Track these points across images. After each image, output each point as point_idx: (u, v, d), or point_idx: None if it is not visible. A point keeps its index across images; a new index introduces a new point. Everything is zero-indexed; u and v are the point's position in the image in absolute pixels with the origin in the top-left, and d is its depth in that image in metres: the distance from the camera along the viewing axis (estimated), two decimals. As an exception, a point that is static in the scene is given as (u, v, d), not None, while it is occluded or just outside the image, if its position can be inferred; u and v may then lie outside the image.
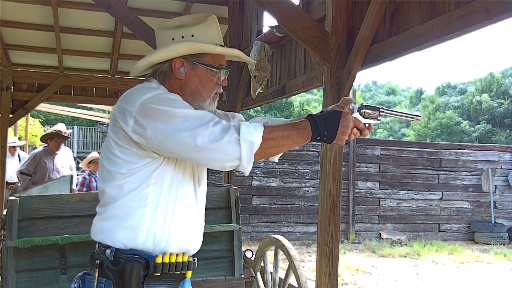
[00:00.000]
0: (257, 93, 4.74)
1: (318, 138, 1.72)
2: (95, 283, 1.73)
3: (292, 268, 3.04)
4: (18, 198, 2.83)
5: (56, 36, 6.41)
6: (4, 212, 6.89)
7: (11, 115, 7.00)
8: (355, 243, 10.86)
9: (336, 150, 3.25)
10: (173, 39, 1.83)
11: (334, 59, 3.32)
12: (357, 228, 11.14)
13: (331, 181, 3.18)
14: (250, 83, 4.95)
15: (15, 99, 7.05)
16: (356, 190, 11.12)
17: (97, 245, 1.79)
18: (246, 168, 1.64)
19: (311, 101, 32.50)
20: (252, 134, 1.61)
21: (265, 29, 4.98)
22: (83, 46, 6.92)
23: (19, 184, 6.95)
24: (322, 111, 1.82)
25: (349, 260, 8.68)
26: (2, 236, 3.25)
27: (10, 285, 2.74)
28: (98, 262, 1.74)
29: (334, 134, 1.72)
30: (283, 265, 3.39)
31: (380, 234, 11.29)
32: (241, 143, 1.59)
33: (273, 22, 4.45)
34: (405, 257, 9.54)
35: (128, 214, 1.72)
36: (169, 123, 1.60)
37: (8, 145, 7.37)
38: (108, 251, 1.73)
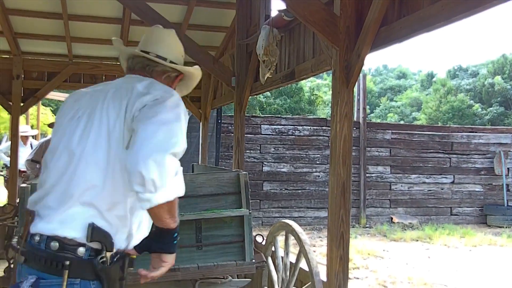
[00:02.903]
0: (266, 78, 4.71)
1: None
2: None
3: (302, 252, 3.05)
4: (29, 186, 2.85)
5: (65, 24, 6.41)
6: (18, 200, 6.99)
7: (22, 104, 7.04)
8: (366, 227, 10.87)
9: (346, 134, 3.23)
10: (182, 56, 2.19)
11: (343, 42, 3.28)
12: (368, 213, 11.13)
13: (341, 165, 3.16)
14: (259, 68, 4.92)
15: (25, 88, 7.09)
16: (367, 175, 11.09)
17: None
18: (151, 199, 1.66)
19: (321, 86, 32.37)
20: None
21: (273, 13, 4.93)
22: (92, 34, 6.92)
23: (29, 172, 7.02)
24: None
25: (361, 245, 8.69)
26: (16, 223, 3.28)
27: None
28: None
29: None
30: (294, 250, 3.39)
31: (392, 218, 11.28)
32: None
33: (281, 6, 4.41)
34: (417, 241, 9.53)
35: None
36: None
37: (20, 134, 7.43)
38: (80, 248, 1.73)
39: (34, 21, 6.54)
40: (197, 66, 2.26)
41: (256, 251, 3.28)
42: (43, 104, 17.58)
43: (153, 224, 1.83)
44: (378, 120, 32.57)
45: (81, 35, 6.85)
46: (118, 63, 7.12)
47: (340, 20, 3.30)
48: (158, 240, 1.82)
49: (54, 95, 13.64)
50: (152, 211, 1.70)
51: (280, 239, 3.54)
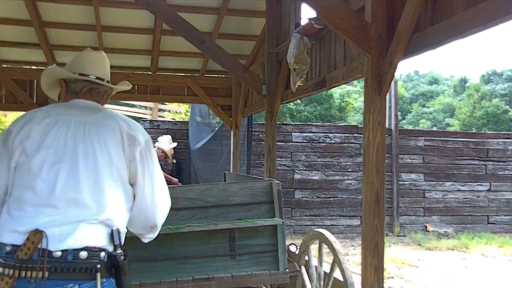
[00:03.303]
0: (297, 86, 4.71)
1: None
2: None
3: (337, 262, 3.02)
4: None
5: (98, 35, 6.55)
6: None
7: (57, 114, 7.19)
8: (400, 236, 10.69)
9: (379, 142, 3.20)
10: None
11: (374, 49, 3.26)
12: (402, 221, 10.96)
13: (374, 174, 3.13)
14: (289, 76, 4.92)
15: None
16: (400, 182, 10.93)
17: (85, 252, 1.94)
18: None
19: (351, 92, 32.13)
20: None
21: (304, 21, 4.93)
22: (124, 44, 7.05)
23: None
24: None
25: (395, 253, 8.56)
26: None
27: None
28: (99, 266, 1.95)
29: None
30: (327, 259, 3.36)
31: (426, 227, 11.07)
32: None
33: (312, 14, 4.41)
34: (453, 250, 9.33)
35: None
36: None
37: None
38: (103, 253, 1.98)
39: (69, 33, 6.70)
40: (127, 82, 2.49)
41: (290, 261, 3.27)
42: (77, 114, 17.87)
43: None
44: (410, 127, 32.12)
45: (114, 46, 6.99)
46: (150, 73, 7.27)
47: (372, 27, 3.27)
48: None
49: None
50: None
51: (313, 248, 3.51)
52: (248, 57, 7.28)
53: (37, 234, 1.87)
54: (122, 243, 2.06)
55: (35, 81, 7.18)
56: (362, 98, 3.39)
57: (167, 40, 6.87)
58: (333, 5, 3.31)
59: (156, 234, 2.29)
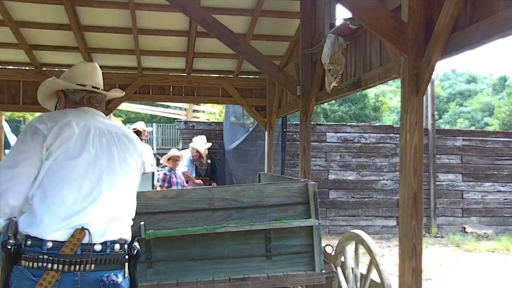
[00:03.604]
0: (332, 86, 4.69)
1: None
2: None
3: (373, 263, 3.00)
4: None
5: (135, 38, 6.65)
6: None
7: (96, 116, 7.34)
8: (437, 237, 10.51)
9: (416, 143, 3.16)
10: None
11: (411, 49, 3.22)
12: (439, 222, 10.77)
13: (411, 175, 3.09)
14: (324, 77, 4.90)
15: (99, 100, 7.38)
16: (437, 183, 10.75)
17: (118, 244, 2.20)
18: None
19: (386, 92, 31.73)
20: None
21: (338, 22, 4.91)
22: (160, 46, 7.14)
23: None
24: None
25: (432, 255, 8.42)
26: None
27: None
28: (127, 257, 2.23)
29: None
30: (363, 260, 3.34)
31: (464, 228, 10.86)
32: None
33: (346, 14, 4.38)
34: (493, 252, 9.11)
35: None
36: None
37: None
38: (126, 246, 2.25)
39: (106, 36, 6.83)
40: (119, 89, 2.79)
41: (326, 261, 3.26)
42: (114, 115, 18.30)
43: None
44: (447, 126, 31.50)
45: (150, 48, 7.09)
46: (185, 74, 7.33)
47: (409, 27, 3.24)
48: None
49: (124, 106, 14.18)
50: None
51: (349, 248, 3.50)
52: (282, 58, 7.28)
53: (82, 232, 2.05)
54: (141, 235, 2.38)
55: (74, 84, 7.33)
56: (397, 98, 3.37)
57: (201, 42, 6.93)
58: (368, 5, 3.29)
59: None
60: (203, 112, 18.52)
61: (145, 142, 7.94)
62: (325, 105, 22.82)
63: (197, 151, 8.81)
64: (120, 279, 2.14)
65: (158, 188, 7.30)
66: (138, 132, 7.35)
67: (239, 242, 3.07)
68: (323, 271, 3.13)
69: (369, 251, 3.06)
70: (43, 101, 2.62)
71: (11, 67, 7.34)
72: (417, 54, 3.19)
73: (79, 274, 2.04)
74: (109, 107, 7.41)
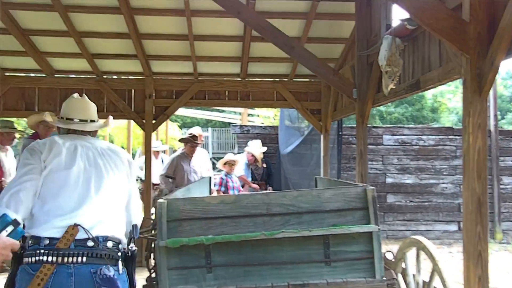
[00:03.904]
0: (389, 89, 4.60)
1: None
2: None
3: (436, 271, 2.91)
4: (166, 201, 3.03)
5: (191, 44, 6.77)
6: (152, 210, 7.46)
7: (154, 121, 7.53)
8: (503, 243, 10.09)
9: (480, 146, 3.05)
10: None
11: (473, 49, 3.11)
12: (505, 227, 10.33)
13: (475, 180, 2.98)
14: (381, 79, 4.82)
15: (156, 106, 7.57)
16: (501, 186, 10.31)
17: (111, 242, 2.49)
18: None
19: (444, 92, 30.77)
20: None
21: (395, 22, 4.81)
22: (215, 52, 7.23)
23: (162, 186, 7.47)
24: None
25: (498, 262, 8.08)
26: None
27: (163, 281, 2.95)
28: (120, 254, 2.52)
29: None
30: (425, 266, 3.25)
31: (532, 234, 10.37)
32: None
33: (404, 15, 4.29)
34: None
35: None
36: None
37: (152, 149, 7.94)
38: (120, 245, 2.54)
39: (163, 44, 6.99)
40: (109, 119, 3.16)
41: (386, 268, 3.19)
42: (170, 120, 18.68)
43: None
44: (511, 127, 30.24)
45: (205, 54, 7.20)
46: (240, 79, 7.43)
47: (470, 26, 3.14)
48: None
49: (180, 111, 14.43)
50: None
51: (410, 254, 3.41)
52: (337, 60, 7.21)
53: (75, 228, 2.38)
54: (136, 236, 2.66)
55: (133, 91, 7.54)
56: (457, 98, 3.28)
57: (256, 46, 6.97)
58: (427, 5, 3.21)
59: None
60: (258, 116, 18.60)
61: (201, 147, 8.05)
62: (381, 107, 22.39)
63: (253, 155, 8.86)
64: (111, 272, 2.40)
65: (215, 192, 7.39)
66: (194, 137, 7.47)
67: (298, 247, 3.04)
68: (384, 277, 3.06)
69: (432, 257, 2.97)
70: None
71: (73, 76, 7.64)
72: (479, 54, 3.09)
73: (72, 267, 2.33)
74: (166, 113, 7.58)
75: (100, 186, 2.58)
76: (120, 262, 2.49)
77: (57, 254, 2.31)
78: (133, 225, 2.68)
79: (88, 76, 7.53)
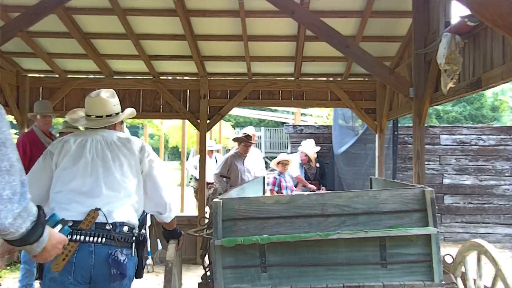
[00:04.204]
0: (448, 87, 4.47)
1: None
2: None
3: (500, 276, 2.80)
4: (221, 201, 3.06)
5: (245, 44, 6.82)
6: (206, 209, 7.57)
7: (208, 121, 7.64)
8: None
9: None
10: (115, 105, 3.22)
11: (540, 45, 2.98)
12: None
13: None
14: (439, 77, 4.69)
15: (211, 106, 7.68)
16: None
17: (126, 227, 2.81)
18: None
19: (506, 90, 29.63)
20: None
21: (455, 19, 4.67)
22: (269, 52, 7.26)
23: (217, 185, 7.56)
24: None
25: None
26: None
27: (219, 280, 2.98)
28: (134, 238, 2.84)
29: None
30: (486, 271, 3.14)
31: None
32: None
33: (464, 11, 4.16)
34: None
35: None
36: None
37: (206, 149, 8.05)
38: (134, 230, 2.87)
39: (218, 44, 7.08)
40: (128, 109, 3.35)
41: (445, 272, 3.11)
42: (224, 120, 18.89)
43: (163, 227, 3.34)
44: None
45: (259, 54, 7.23)
46: (293, 79, 7.43)
47: (536, 21, 3.00)
48: (172, 236, 3.39)
49: (233, 111, 14.54)
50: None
51: (470, 258, 3.31)
52: (393, 59, 7.08)
53: (96, 212, 2.72)
54: (146, 224, 2.98)
55: (188, 91, 7.68)
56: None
57: (310, 46, 6.94)
58: (490, 0, 3.10)
59: (171, 213, 3.15)
60: (311, 115, 18.52)
61: (254, 146, 8.10)
62: (438, 106, 21.81)
63: (306, 155, 8.83)
64: (123, 257, 2.71)
65: (268, 192, 7.41)
66: (248, 137, 7.52)
67: (353, 249, 3.00)
68: (443, 281, 2.98)
69: (494, 262, 2.87)
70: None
71: (130, 77, 7.85)
72: (546, 51, 2.95)
73: (93, 246, 2.66)
74: (220, 113, 7.68)
75: (108, 175, 2.87)
76: (133, 246, 2.81)
77: (80, 233, 2.64)
78: (146, 213, 3.01)
79: (145, 77, 7.73)
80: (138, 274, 2.95)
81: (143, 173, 3.02)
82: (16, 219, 1.61)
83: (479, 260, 3.12)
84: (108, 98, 3.14)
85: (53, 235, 1.88)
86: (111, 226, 2.71)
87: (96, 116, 3.10)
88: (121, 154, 2.96)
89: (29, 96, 7.57)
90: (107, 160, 2.91)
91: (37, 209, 1.73)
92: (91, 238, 2.67)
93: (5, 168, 1.58)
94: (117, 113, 3.17)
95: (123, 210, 2.81)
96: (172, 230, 3.35)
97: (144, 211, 3.08)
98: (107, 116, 3.11)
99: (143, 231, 2.93)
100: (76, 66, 7.69)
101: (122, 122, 3.41)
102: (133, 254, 2.81)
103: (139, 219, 2.97)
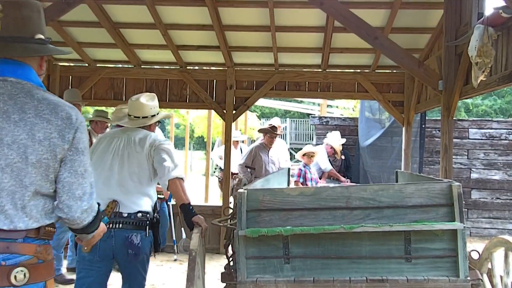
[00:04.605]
0: (479, 81, 4.39)
1: None
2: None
3: (527, 274, 2.76)
4: (245, 191, 3.08)
5: (272, 35, 6.80)
6: (230, 199, 7.60)
7: (234, 111, 7.66)
8: None
9: None
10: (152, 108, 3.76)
11: None
12: None
13: None
14: (470, 70, 4.60)
15: (237, 97, 7.69)
16: None
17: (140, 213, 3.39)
18: None
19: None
20: None
21: (488, 11, 4.57)
22: (296, 43, 7.22)
23: (241, 176, 7.58)
24: None
25: None
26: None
27: (242, 270, 3.01)
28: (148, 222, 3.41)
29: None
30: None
31: None
32: None
33: (498, 2, 4.07)
34: None
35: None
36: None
37: (232, 139, 8.08)
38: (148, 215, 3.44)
39: (245, 35, 7.07)
40: (169, 114, 4.36)
41: (471, 268, 3.06)
42: (249, 110, 18.90)
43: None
44: None
45: (286, 45, 7.20)
46: (320, 70, 7.36)
47: None
48: (186, 216, 3.38)
49: (259, 101, 14.52)
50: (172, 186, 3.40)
51: (497, 254, 3.26)
52: (423, 51, 6.97)
53: (114, 203, 3.32)
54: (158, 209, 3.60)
55: (215, 81, 7.70)
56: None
57: (338, 37, 6.88)
58: (525, -8, 3.02)
59: (171, 173, 3.37)
60: (337, 107, 18.39)
61: (280, 138, 8.09)
62: (467, 99, 21.43)
63: (332, 147, 8.78)
64: (138, 240, 3.29)
65: (293, 183, 7.41)
66: (274, 128, 7.52)
67: (377, 242, 2.99)
68: (468, 278, 2.95)
69: (522, 260, 2.82)
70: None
71: (158, 67, 7.91)
72: None
73: (113, 231, 3.25)
74: (246, 104, 7.69)
75: (123, 170, 3.41)
76: (147, 228, 3.37)
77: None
78: (165, 167, 3.36)
79: (172, 67, 7.78)
80: (156, 249, 3.53)
81: (154, 162, 3.45)
82: (82, 214, 2.04)
83: (506, 256, 3.07)
84: (147, 102, 3.65)
85: (101, 225, 2.26)
86: (127, 214, 3.32)
87: (135, 117, 3.65)
88: (135, 151, 3.46)
89: (59, 84, 7.70)
90: (124, 157, 3.45)
91: (97, 206, 2.13)
92: (111, 225, 3.25)
93: (81, 172, 2.01)
94: (153, 115, 3.67)
95: (137, 199, 3.38)
96: (186, 207, 3.36)
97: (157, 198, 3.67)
98: (143, 117, 3.64)
99: (155, 214, 3.49)
100: (105, 56, 7.78)
101: (159, 122, 3.97)
102: (147, 235, 3.37)
103: (152, 206, 3.50)
